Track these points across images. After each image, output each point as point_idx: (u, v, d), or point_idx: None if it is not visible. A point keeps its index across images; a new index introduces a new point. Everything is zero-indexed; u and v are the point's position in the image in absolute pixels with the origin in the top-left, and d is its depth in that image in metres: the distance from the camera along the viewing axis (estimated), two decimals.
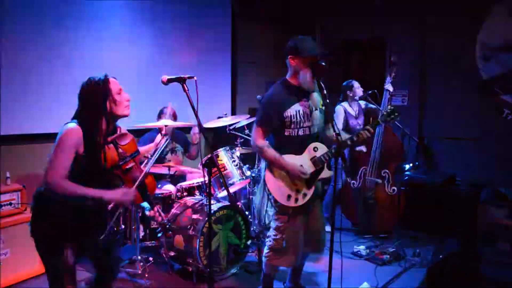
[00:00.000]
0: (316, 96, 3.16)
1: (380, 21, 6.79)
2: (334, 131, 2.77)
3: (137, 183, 2.53)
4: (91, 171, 2.38)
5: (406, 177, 5.54)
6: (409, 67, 6.49)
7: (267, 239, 3.33)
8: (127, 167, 2.52)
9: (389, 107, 3.32)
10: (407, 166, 5.85)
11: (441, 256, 3.73)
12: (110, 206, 2.56)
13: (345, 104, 5.22)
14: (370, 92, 5.00)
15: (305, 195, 3.11)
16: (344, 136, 3.02)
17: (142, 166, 2.69)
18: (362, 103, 5.33)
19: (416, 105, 6.52)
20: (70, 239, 2.42)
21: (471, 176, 5.77)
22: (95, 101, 2.35)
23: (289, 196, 3.07)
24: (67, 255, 2.39)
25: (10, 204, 3.83)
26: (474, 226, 4.67)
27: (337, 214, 5.17)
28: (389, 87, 4.91)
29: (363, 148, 5.06)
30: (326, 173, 3.17)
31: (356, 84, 5.22)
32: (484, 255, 4.38)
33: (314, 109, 3.14)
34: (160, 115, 4.50)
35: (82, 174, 2.34)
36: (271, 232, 3.25)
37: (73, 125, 2.31)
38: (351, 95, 5.21)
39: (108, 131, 2.47)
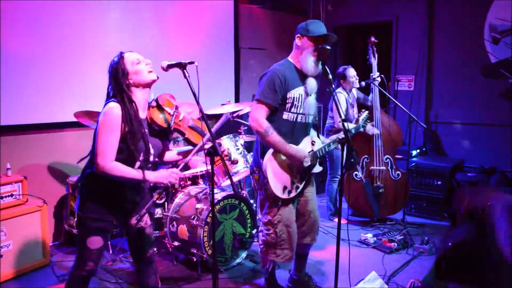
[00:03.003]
0: (312, 81, 3.05)
1: (387, 4, 6.67)
2: (340, 116, 2.69)
3: (184, 161, 2.67)
4: (136, 147, 2.46)
5: (413, 163, 5.46)
6: (416, 51, 6.38)
7: (260, 234, 3.25)
8: (179, 118, 2.66)
9: (364, 113, 3.56)
10: (414, 152, 5.77)
11: (450, 244, 3.67)
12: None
13: (342, 91, 4.92)
14: (377, 76, 4.88)
15: (297, 187, 3.07)
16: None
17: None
18: (355, 91, 5.17)
19: (423, 90, 6.41)
20: (111, 222, 2.55)
21: (480, 162, 5.69)
22: (118, 79, 2.45)
23: (284, 188, 3.01)
24: (101, 237, 2.53)
25: (12, 195, 3.78)
26: (483, 213, 4.59)
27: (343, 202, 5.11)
28: (376, 75, 4.90)
29: (374, 131, 4.88)
30: (317, 169, 3.14)
31: (350, 73, 4.95)
32: (493, 242, 4.32)
33: (308, 95, 3.06)
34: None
35: (131, 153, 2.44)
36: (263, 227, 3.16)
37: (113, 104, 2.39)
38: (346, 83, 4.96)
39: (144, 99, 2.55)
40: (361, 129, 3.76)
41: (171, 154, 2.83)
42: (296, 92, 2.97)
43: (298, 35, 3.00)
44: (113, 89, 2.47)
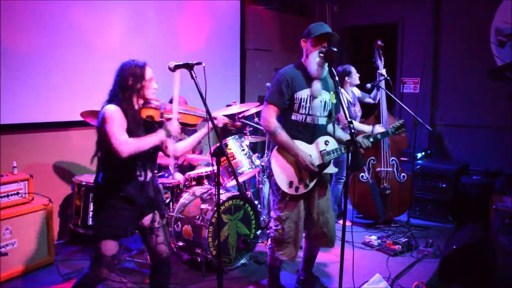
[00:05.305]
0: (317, 85, 3.06)
1: (393, 6, 6.66)
2: (346, 118, 2.69)
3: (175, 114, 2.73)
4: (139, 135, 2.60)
5: (418, 166, 5.45)
6: (422, 53, 6.37)
7: (269, 230, 3.28)
8: (167, 107, 2.74)
9: (400, 121, 3.34)
10: (419, 155, 5.76)
11: (454, 247, 3.67)
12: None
13: (344, 91, 4.86)
14: (382, 78, 4.88)
15: (307, 185, 3.06)
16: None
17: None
18: (356, 90, 5.13)
19: (429, 92, 6.40)
20: (124, 228, 2.66)
21: (485, 165, 5.66)
22: (132, 82, 2.58)
23: (291, 183, 3.02)
24: (114, 244, 2.65)
25: (18, 193, 3.79)
26: (489, 216, 4.58)
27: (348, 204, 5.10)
28: (383, 71, 4.87)
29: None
30: (331, 169, 3.12)
31: (353, 70, 4.94)
32: (498, 245, 4.31)
33: (314, 97, 3.06)
34: (171, 102, 4.42)
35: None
36: (272, 223, 3.19)
37: (114, 106, 2.53)
38: (348, 81, 4.91)
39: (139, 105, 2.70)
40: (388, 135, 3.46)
41: (181, 146, 2.91)
42: (304, 94, 3.00)
43: (303, 39, 3.07)
44: (122, 88, 2.57)
